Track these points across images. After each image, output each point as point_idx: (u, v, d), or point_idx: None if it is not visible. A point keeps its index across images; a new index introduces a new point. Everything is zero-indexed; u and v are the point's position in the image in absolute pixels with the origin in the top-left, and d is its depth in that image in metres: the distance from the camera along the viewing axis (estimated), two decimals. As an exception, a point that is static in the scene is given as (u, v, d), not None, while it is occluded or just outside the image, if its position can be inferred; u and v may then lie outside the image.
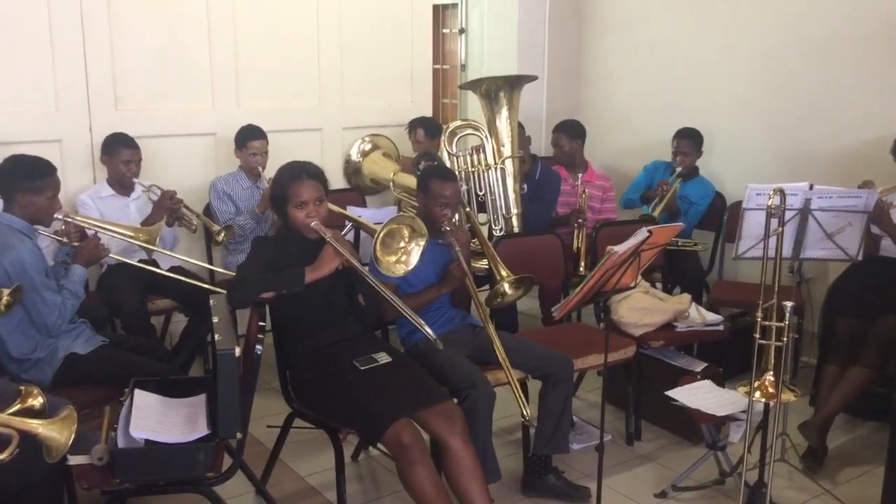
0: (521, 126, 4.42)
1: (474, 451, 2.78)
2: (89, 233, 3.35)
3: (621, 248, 2.63)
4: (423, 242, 2.97)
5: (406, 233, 2.97)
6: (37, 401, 2.36)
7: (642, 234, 2.65)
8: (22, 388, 2.39)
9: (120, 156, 3.97)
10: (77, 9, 4.13)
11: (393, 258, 2.95)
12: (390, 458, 3.19)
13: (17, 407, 2.36)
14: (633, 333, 3.64)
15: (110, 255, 3.41)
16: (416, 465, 2.64)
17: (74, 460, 2.41)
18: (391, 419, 2.66)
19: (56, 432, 1.97)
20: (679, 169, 4.66)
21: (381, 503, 3.22)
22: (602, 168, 5.11)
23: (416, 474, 2.65)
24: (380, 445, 3.24)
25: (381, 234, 2.89)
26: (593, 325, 4.07)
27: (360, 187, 5.17)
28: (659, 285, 4.40)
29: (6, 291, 2.79)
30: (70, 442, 1.98)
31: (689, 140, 4.72)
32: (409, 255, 2.97)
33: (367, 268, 2.93)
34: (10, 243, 2.94)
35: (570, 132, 4.82)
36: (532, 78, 4.41)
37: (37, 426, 1.96)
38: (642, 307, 3.70)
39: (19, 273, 2.90)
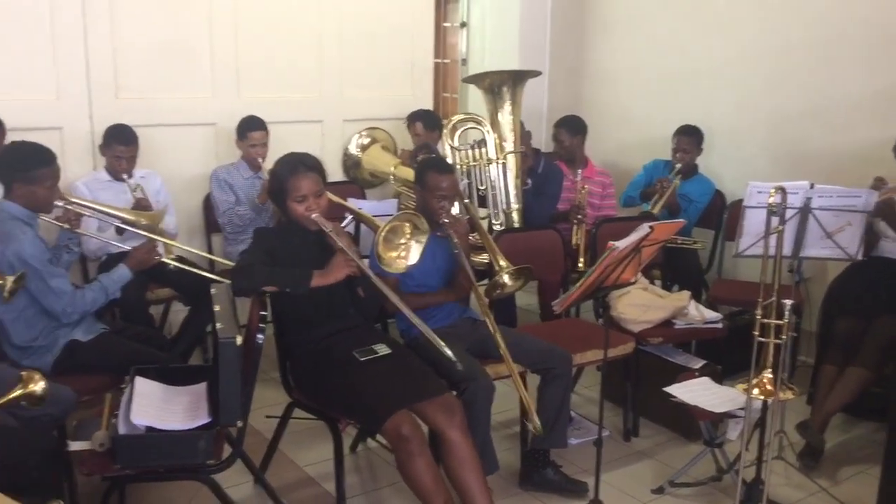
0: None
1: (473, 443, 2.79)
2: (84, 220, 3.35)
3: (622, 244, 2.64)
4: (424, 239, 2.97)
5: (408, 229, 2.97)
6: (38, 386, 2.38)
7: (643, 229, 2.66)
8: (24, 373, 2.40)
9: (113, 151, 3.97)
10: (78, -1, 4.13)
11: (394, 254, 2.95)
12: (388, 451, 3.20)
13: (18, 392, 2.38)
14: (632, 330, 3.65)
15: (114, 243, 3.41)
16: (415, 457, 2.65)
17: (75, 446, 2.42)
18: (390, 410, 2.66)
19: None
20: (679, 166, 4.67)
21: (380, 494, 3.23)
22: (602, 164, 5.11)
23: (415, 466, 2.65)
24: (378, 437, 3.28)
25: (385, 231, 2.89)
26: (592, 322, 4.07)
27: (360, 180, 5.16)
28: (658, 283, 4.41)
29: (10, 278, 2.79)
30: None
31: (689, 137, 4.72)
32: (409, 251, 2.97)
33: (366, 261, 2.93)
34: (12, 234, 2.94)
35: (571, 128, 4.83)
36: (536, 73, 4.41)
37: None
38: (641, 304, 3.71)
39: (23, 264, 2.90)
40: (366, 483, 3.31)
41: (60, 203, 3.21)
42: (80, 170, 4.17)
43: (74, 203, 3.34)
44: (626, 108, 5.55)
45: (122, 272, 3.22)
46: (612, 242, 2.66)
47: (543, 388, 3.26)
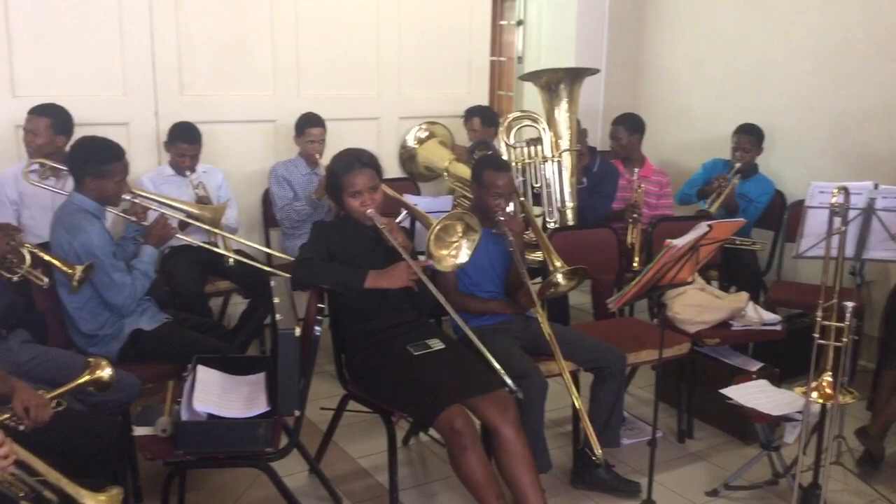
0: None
1: (526, 439, 2.79)
2: (152, 213, 3.45)
3: (680, 242, 2.62)
4: (476, 238, 2.98)
5: (460, 228, 2.98)
6: (105, 372, 2.47)
7: (702, 228, 2.63)
8: (91, 360, 2.50)
9: (177, 148, 4.08)
10: (145, -4, 4.26)
11: (445, 252, 2.97)
12: (441, 445, 3.24)
13: (85, 377, 2.47)
14: (688, 330, 3.61)
15: (177, 235, 3.50)
16: (468, 451, 2.66)
17: (139, 431, 2.50)
18: (444, 404, 2.68)
19: None
20: (738, 165, 4.60)
21: (431, 488, 3.26)
22: (660, 164, 5.06)
23: (467, 460, 2.67)
24: (431, 431, 3.31)
25: (436, 229, 2.91)
26: (646, 321, 4.04)
27: (414, 174, 5.19)
28: (715, 283, 4.35)
29: (79, 268, 2.90)
30: None
31: (749, 136, 4.65)
32: (460, 250, 2.99)
33: (423, 257, 2.95)
34: (80, 226, 3.04)
35: (630, 126, 4.78)
36: (594, 71, 4.39)
37: (84, 496, 1.99)
38: (698, 304, 3.67)
39: (89, 255, 3.00)
40: (418, 476, 3.34)
41: (128, 196, 3.30)
42: (145, 165, 4.29)
43: (141, 196, 3.44)
44: (685, 105, 5.48)
45: (150, 252, 3.29)
46: (669, 240, 2.64)
47: (597, 386, 3.25)
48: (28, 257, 2.91)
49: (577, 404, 3.06)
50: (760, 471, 3.27)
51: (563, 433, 3.64)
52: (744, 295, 3.81)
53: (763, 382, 3.28)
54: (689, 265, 2.81)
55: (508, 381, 2.82)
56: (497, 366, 2.83)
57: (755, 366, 3.66)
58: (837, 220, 2.77)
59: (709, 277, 4.29)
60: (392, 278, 2.83)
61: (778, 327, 3.72)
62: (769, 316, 3.74)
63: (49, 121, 3.71)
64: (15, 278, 2.88)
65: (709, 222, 2.67)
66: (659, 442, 3.04)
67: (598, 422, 3.19)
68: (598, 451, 3.02)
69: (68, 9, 4.09)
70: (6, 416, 2.25)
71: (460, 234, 2.99)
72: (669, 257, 2.67)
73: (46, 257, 2.95)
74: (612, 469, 3.25)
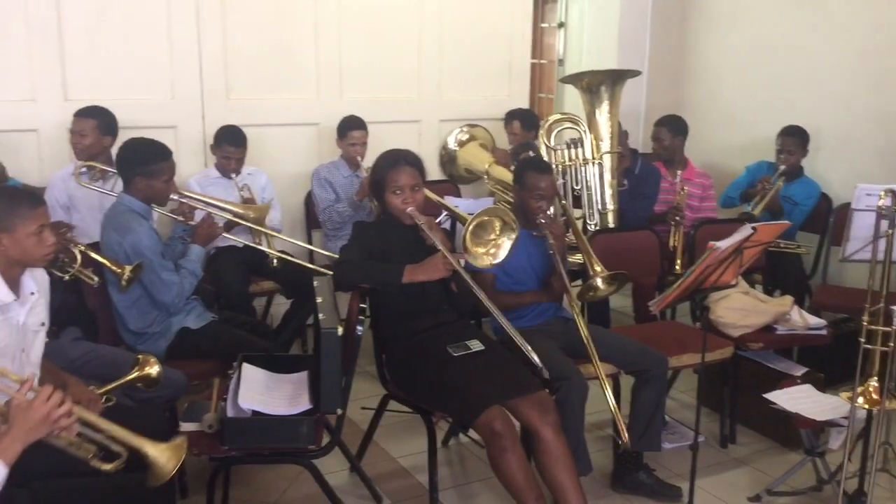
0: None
1: (566, 442, 2.79)
2: (198, 213, 3.53)
3: (724, 244, 2.60)
4: (513, 236, 2.97)
5: (497, 225, 2.97)
6: (153, 369, 2.53)
7: (746, 230, 2.61)
8: (140, 357, 2.56)
9: (223, 151, 4.16)
10: (194, 3, 4.35)
11: (482, 249, 2.96)
12: (480, 446, 3.25)
13: (135, 374, 2.54)
14: (731, 334, 3.58)
15: (224, 235, 3.57)
16: (508, 453, 2.67)
17: (186, 427, 2.55)
18: (484, 405, 2.69)
19: (165, 458, 2.06)
20: (783, 168, 4.54)
21: (471, 488, 3.27)
22: (703, 166, 5.01)
23: (507, 461, 2.67)
24: (471, 433, 3.32)
25: (472, 225, 2.91)
26: (688, 325, 4.01)
27: (454, 176, 5.23)
28: (759, 287, 4.30)
29: (128, 268, 2.98)
30: (174, 471, 2.06)
31: (794, 138, 4.58)
32: (498, 248, 2.97)
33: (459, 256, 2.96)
34: (129, 226, 3.11)
35: (673, 127, 4.74)
36: (635, 73, 4.37)
37: (149, 447, 2.06)
38: (742, 308, 3.63)
39: (138, 255, 3.08)
40: (457, 477, 3.36)
41: (175, 196, 3.38)
42: (192, 167, 4.38)
43: (188, 197, 3.51)
44: (729, 107, 5.43)
45: (197, 251, 3.36)
46: (712, 242, 2.62)
47: (638, 390, 3.23)
48: (79, 256, 3.00)
49: (610, 404, 3.06)
50: (804, 477, 3.22)
51: (604, 436, 3.63)
52: (788, 299, 3.76)
53: (808, 387, 3.24)
54: (733, 268, 2.79)
55: (535, 357, 2.81)
56: (535, 357, 2.81)
57: (800, 370, 3.61)
58: (885, 223, 2.72)
59: (753, 281, 4.24)
60: (428, 270, 2.82)
61: (823, 332, 3.67)
62: (814, 320, 3.69)
63: (95, 122, 3.81)
64: (66, 277, 2.97)
65: (753, 224, 2.65)
66: (701, 446, 3.00)
67: (639, 425, 3.18)
68: (625, 436, 3.03)
69: (119, 16, 4.20)
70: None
71: (498, 232, 2.97)
72: (713, 259, 2.65)
73: (96, 257, 3.03)
74: (653, 473, 3.24)
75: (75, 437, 2.06)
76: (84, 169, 3.75)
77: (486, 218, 2.94)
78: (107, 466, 2.05)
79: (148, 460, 2.05)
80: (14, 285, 2.39)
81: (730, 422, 3.68)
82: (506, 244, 2.96)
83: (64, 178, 3.86)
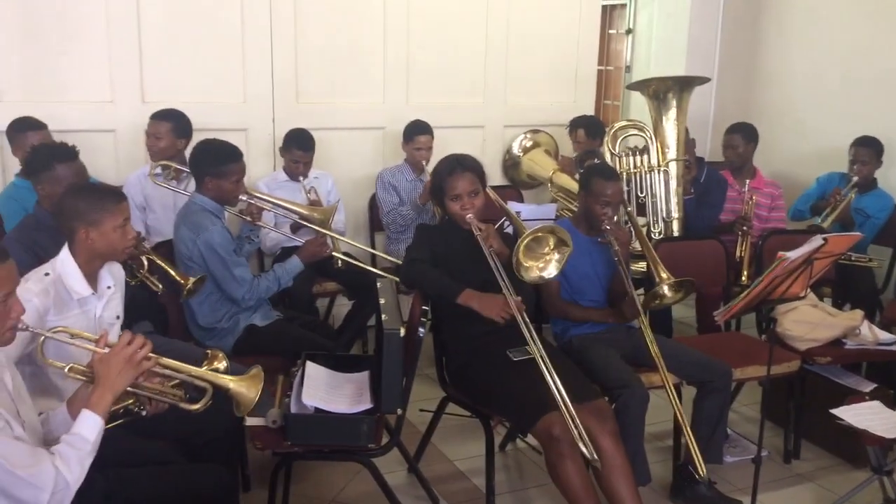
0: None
1: (625, 451, 2.78)
2: (267, 215, 3.60)
3: (793, 255, 2.55)
4: (567, 252, 2.96)
5: (552, 242, 2.96)
6: (221, 364, 2.58)
7: (816, 241, 2.56)
8: (209, 351, 2.63)
9: (292, 154, 4.24)
10: (266, 9, 4.45)
11: (534, 263, 2.96)
12: (538, 452, 3.25)
13: (204, 368, 2.60)
14: (798, 347, 3.50)
15: (290, 236, 3.65)
16: (566, 459, 2.66)
17: (251, 421, 2.62)
18: (543, 411, 2.69)
19: (245, 388, 2.16)
20: (855, 179, 4.41)
21: (527, 494, 3.27)
22: (772, 176, 4.90)
23: (565, 468, 2.67)
24: (528, 438, 3.32)
25: (528, 239, 2.90)
26: (753, 336, 3.93)
27: (517, 182, 5.23)
28: (828, 300, 4.19)
29: (192, 279, 3.07)
30: (257, 398, 2.15)
31: (867, 149, 4.46)
32: (548, 264, 2.97)
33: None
34: (203, 224, 3.21)
35: (747, 134, 4.63)
36: (704, 80, 4.32)
37: (228, 381, 2.15)
38: (810, 321, 3.55)
39: (211, 252, 3.18)
40: (514, 482, 3.36)
41: (244, 197, 3.47)
42: (261, 169, 4.49)
43: (257, 197, 3.60)
44: (801, 116, 5.30)
45: (296, 263, 3.44)
46: (782, 253, 2.57)
47: (700, 401, 3.19)
48: (146, 263, 3.09)
49: (680, 418, 3.02)
50: (870, 495, 3.13)
51: (664, 447, 3.58)
52: (858, 313, 3.66)
53: (876, 404, 3.14)
54: (802, 279, 2.73)
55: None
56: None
57: (868, 386, 3.50)
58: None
59: (822, 294, 4.14)
60: (485, 305, 2.84)
61: (894, 347, 3.56)
62: (885, 335, 3.58)
63: (171, 125, 3.93)
64: (133, 282, 3.07)
65: (824, 235, 2.59)
66: (764, 461, 2.95)
67: (701, 437, 3.13)
68: (703, 470, 2.97)
69: (195, 21, 4.33)
70: (130, 401, 2.39)
71: (552, 247, 2.97)
72: (781, 270, 2.60)
73: (162, 264, 3.12)
74: (713, 486, 3.18)
75: (160, 382, 2.12)
76: (159, 169, 3.86)
77: (541, 234, 2.93)
78: (195, 406, 2.12)
79: (231, 393, 2.14)
80: (92, 280, 2.50)
81: (794, 437, 3.60)
82: (558, 260, 2.96)
83: (140, 179, 3.99)
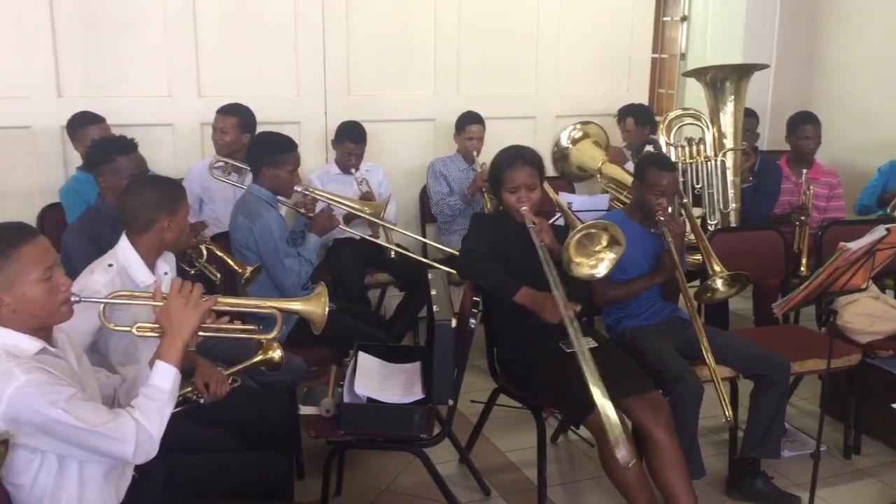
0: (754, 114, 4.18)
1: (679, 444, 2.74)
2: (320, 205, 3.65)
3: (855, 245, 2.48)
4: (620, 253, 2.91)
5: (605, 239, 2.91)
6: (276, 353, 2.64)
7: (879, 231, 2.49)
8: (263, 340, 2.67)
9: (344, 147, 4.27)
10: (319, 3, 4.50)
11: (585, 259, 2.92)
12: (590, 444, 3.24)
13: (259, 357, 2.66)
14: (859, 341, 3.42)
15: (340, 227, 3.68)
16: (619, 451, 2.64)
17: (305, 410, 2.66)
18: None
19: (313, 306, 2.20)
20: (922, 168, 4.27)
21: (580, 486, 3.25)
22: (833, 165, 4.77)
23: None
24: (581, 430, 3.30)
25: (580, 234, 2.86)
26: (812, 329, 3.85)
27: (566, 173, 5.19)
28: (890, 292, 4.07)
29: (249, 268, 3.13)
30: (326, 312, 2.19)
31: (933, 137, 4.31)
32: (599, 262, 2.93)
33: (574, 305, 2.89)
34: (258, 212, 3.27)
35: (818, 124, 4.47)
36: (762, 66, 4.23)
37: (296, 304, 2.22)
38: (871, 313, 3.46)
39: (265, 239, 3.23)
40: (566, 474, 3.35)
41: (299, 189, 3.51)
42: (314, 161, 4.54)
43: (311, 190, 3.64)
44: (862, 104, 5.14)
45: (314, 240, 3.48)
46: (843, 243, 2.50)
47: (757, 394, 3.13)
48: (205, 253, 3.16)
49: (724, 407, 2.98)
50: (936, 494, 3.05)
51: (720, 441, 3.53)
52: (923, 306, 3.55)
53: (942, 400, 3.05)
54: (864, 271, 2.66)
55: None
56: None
57: (933, 381, 3.40)
58: None
59: (884, 286, 4.02)
60: (540, 307, 2.82)
61: (960, 342, 3.45)
62: (950, 329, 3.47)
63: (236, 120, 3.98)
64: (192, 272, 3.13)
65: (887, 226, 2.51)
66: (823, 456, 2.89)
67: (758, 431, 3.08)
68: (728, 412, 2.96)
69: (249, 16, 4.40)
70: (188, 389, 2.46)
71: (604, 245, 2.92)
72: (843, 261, 2.54)
73: (221, 254, 3.18)
74: (770, 481, 3.13)
75: (228, 321, 2.13)
76: (221, 163, 3.92)
77: (594, 230, 2.89)
78: (271, 335, 2.14)
79: (301, 315, 2.20)
80: (151, 269, 2.56)
81: (854, 432, 3.51)
82: (610, 258, 2.92)
83: (201, 170, 4.05)
